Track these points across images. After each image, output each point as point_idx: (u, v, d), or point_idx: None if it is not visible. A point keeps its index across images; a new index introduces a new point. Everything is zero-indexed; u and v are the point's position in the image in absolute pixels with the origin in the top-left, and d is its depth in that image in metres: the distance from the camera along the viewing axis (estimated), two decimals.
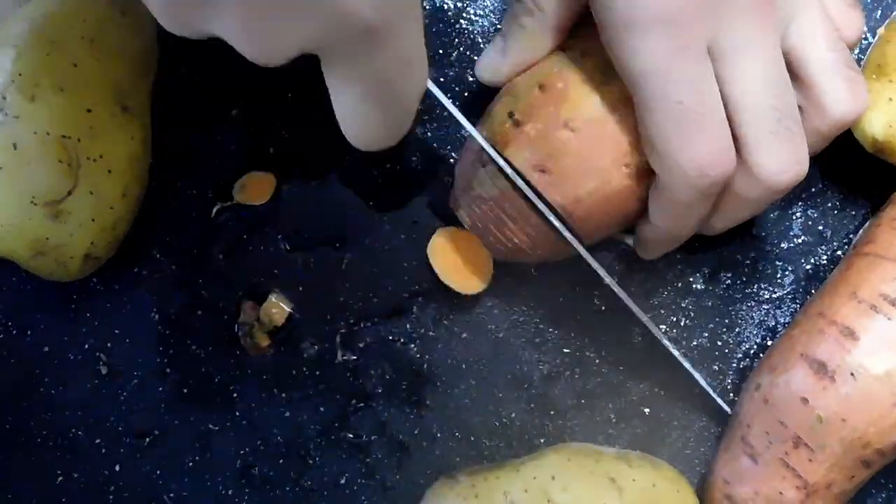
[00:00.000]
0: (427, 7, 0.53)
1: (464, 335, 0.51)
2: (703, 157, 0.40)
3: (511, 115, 0.44)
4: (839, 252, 0.50)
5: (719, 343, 0.50)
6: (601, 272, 0.46)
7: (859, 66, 0.49)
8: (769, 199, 0.43)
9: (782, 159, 0.41)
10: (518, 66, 0.45)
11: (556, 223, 0.44)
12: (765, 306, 0.51)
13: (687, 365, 0.48)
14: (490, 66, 0.46)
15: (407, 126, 0.42)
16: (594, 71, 0.43)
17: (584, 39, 0.44)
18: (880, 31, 0.48)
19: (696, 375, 0.48)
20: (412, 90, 0.40)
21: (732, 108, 0.40)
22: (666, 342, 0.47)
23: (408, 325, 0.51)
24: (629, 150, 0.42)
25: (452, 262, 0.51)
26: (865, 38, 0.51)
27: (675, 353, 0.48)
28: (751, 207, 0.44)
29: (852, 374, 0.42)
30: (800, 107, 0.42)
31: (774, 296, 0.51)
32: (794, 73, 0.42)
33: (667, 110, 0.39)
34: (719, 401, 0.49)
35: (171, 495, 0.51)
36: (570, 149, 0.42)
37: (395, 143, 0.42)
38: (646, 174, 0.43)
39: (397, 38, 0.36)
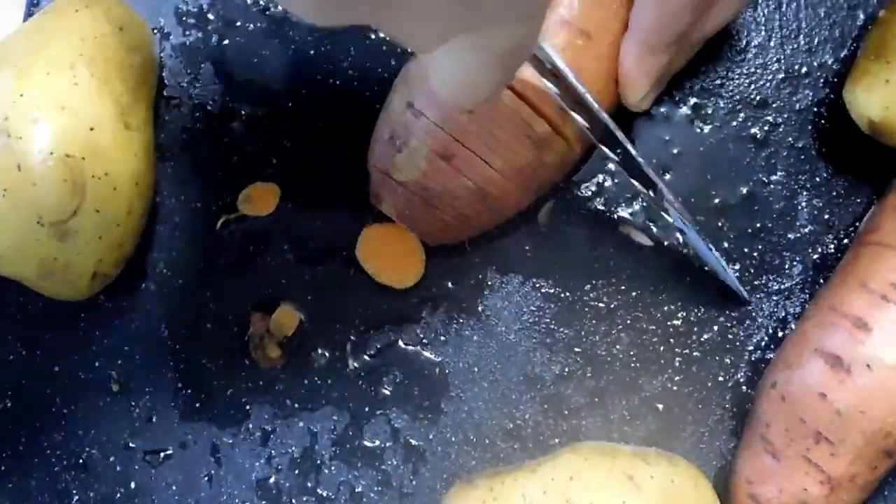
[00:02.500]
0: None
1: (475, 338, 0.51)
2: None
3: (410, 105, 0.44)
4: (846, 240, 0.50)
5: (730, 336, 0.50)
6: (618, 133, 0.45)
7: (860, 37, 0.50)
8: None
9: None
10: None
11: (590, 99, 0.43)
12: (774, 297, 0.50)
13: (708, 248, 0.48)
14: None
15: (509, 80, 0.38)
16: None
17: None
18: (880, 14, 0.48)
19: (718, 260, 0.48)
20: (529, 51, 0.37)
21: None
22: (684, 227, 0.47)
23: (418, 331, 0.51)
24: (528, 121, 0.43)
25: (384, 260, 0.51)
26: (866, 27, 0.51)
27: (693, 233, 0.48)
28: (739, 5, 0.46)
29: (868, 366, 0.42)
30: None
31: (783, 287, 0.51)
32: None
33: None
34: (741, 290, 0.50)
35: None
36: (472, 130, 0.43)
37: (493, 99, 0.39)
38: (547, 142, 0.44)
39: (545, 4, 0.33)
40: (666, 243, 0.51)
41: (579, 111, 0.44)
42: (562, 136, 0.45)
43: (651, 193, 0.47)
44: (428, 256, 0.51)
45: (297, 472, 0.51)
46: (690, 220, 0.47)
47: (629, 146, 0.45)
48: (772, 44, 0.52)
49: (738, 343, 0.50)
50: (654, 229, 0.51)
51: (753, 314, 0.50)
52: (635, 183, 0.47)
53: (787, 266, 0.51)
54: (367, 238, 0.51)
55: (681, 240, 0.51)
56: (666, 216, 0.47)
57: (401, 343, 0.51)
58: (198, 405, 0.51)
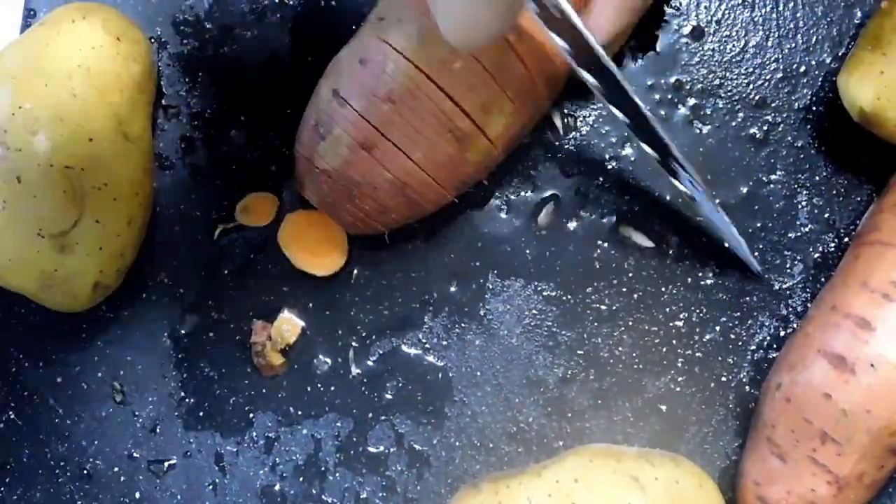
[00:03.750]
0: None
1: (477, 342, 0.51)
2: None
3: (336, 92, 0.44)
4: (847, 238, 0.50)
5: (732, 336, 0.50)
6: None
7: (857, 35, 0.50)
8: None
9: None
10: None
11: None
12: (776, 297, 0.50)
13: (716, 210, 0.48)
14: None
15: (513, 19, 0.38)
16: (411, 38, 0.43)
17: (399, 6, 0.44)
18: (883, 4, 0.48)
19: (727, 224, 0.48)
20: None
21: None
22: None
23: (420, 336, 0.51)
24: (451, 115, 0.44)
25: (306, 247, 0.51)
26: (864, 25, 0.51)
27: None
28: None
29: (872, 365, 0.42)
30: None
31: (785, 286, 0.51)
32: None
33: None
34: (754, 262, 0.50)
35: None
36: (395, 122, 0.43)
37: (495, 40, 0.39)
38: (470, 137, 0.44)
39: None
40: (667, 244, 0.51)
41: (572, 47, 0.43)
42: (484, 134, 0.45)
43: (648, 150, 0.46)
44: (429, 261, 0.51)
45: (301, 479, 0.51)
46: (700, 181, 0.46)
47: (620, 77, 0.44)
48: (770, 43, 0.52)
49: (740, 343, 0.50)
50: (655, 230, 0.51)
51: (755, 313, 0.50)
52: (643, 146, 0.46)
53: (788, 265, 0.51)
54: (289, 224, 0.51)
55: (690, 204, 0.49)
56: (673, 179, 0.47)
57: (403, 348, 0.51)
58: (201, 414, 0.51)
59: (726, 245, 0.50)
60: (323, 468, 0.51)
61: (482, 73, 0.43)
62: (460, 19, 0.34)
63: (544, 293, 0.51)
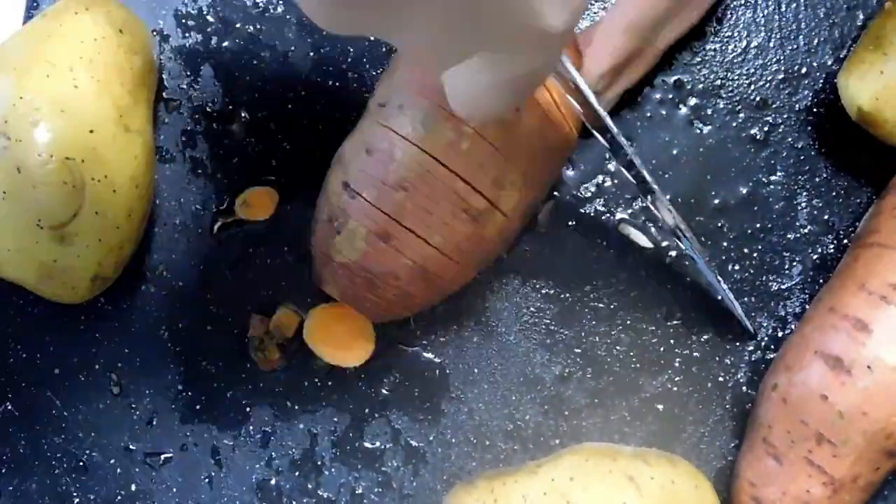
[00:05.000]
0: None
1: (474, 339, 0.51)
2: None
3: (346, 185, 0.44)
4: (846, 240, 0.50)
5: (730, 336, 0.50)
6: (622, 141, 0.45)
7: (859, 37, 0.50)
8: None
9: None
10: None
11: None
12: (774, 298, 0.51)
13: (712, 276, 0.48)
14: None
15: (521, 100, 0.40)
16: (415, 122, 0.43)
17: (399, 91, 0.44)
18: (887, 4, 0.48)
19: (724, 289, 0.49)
20: (543, 79, 0.38)
21: None
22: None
23: (418, 332, 0.51)
24: (464, 195, 0.43)
25: (333, 339, 0.51)
26: (866, 27, 0.51)
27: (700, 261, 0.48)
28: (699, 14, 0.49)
29: (869, 367, 0.42)
30: None
31: (783, 287, 0.51)
32: None
33: None
34: (746, 322, 0.50)
35: None
36: (409, 208, 0.43)
37: (504, 116, 0.41)
38: (485, 214, 0.44)
39: (565, 39, 0.34)
40: (665, 244, 0.51)
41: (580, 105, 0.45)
42: (498, 209, 0.45)
43: (661, 215, 0.47)
44: None
45: (297, 473, 0.51)
46: (700, 250, 0.47)
47: (636, 159, 0.45)
48: (771, 44, 0.52)
49: (737, 343, 0.50)
50: (654, 230, 0.51)
51: (753, 314, 0.51)
52: (656, 210, 0.48)
53: (786, 266, 0.51)
54: (314, 320, 0.51)
55: (686, 263, 0.51)
56: (679, 242, 0.48)
57: (401, 344, 0.51)
58: (198, 407, 0.51)
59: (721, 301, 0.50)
60: (319, 463, 0.51)
61: (490, 149, 0.43)
62: (469, 100, 0.35)
63: (543, 291, 0.51)
